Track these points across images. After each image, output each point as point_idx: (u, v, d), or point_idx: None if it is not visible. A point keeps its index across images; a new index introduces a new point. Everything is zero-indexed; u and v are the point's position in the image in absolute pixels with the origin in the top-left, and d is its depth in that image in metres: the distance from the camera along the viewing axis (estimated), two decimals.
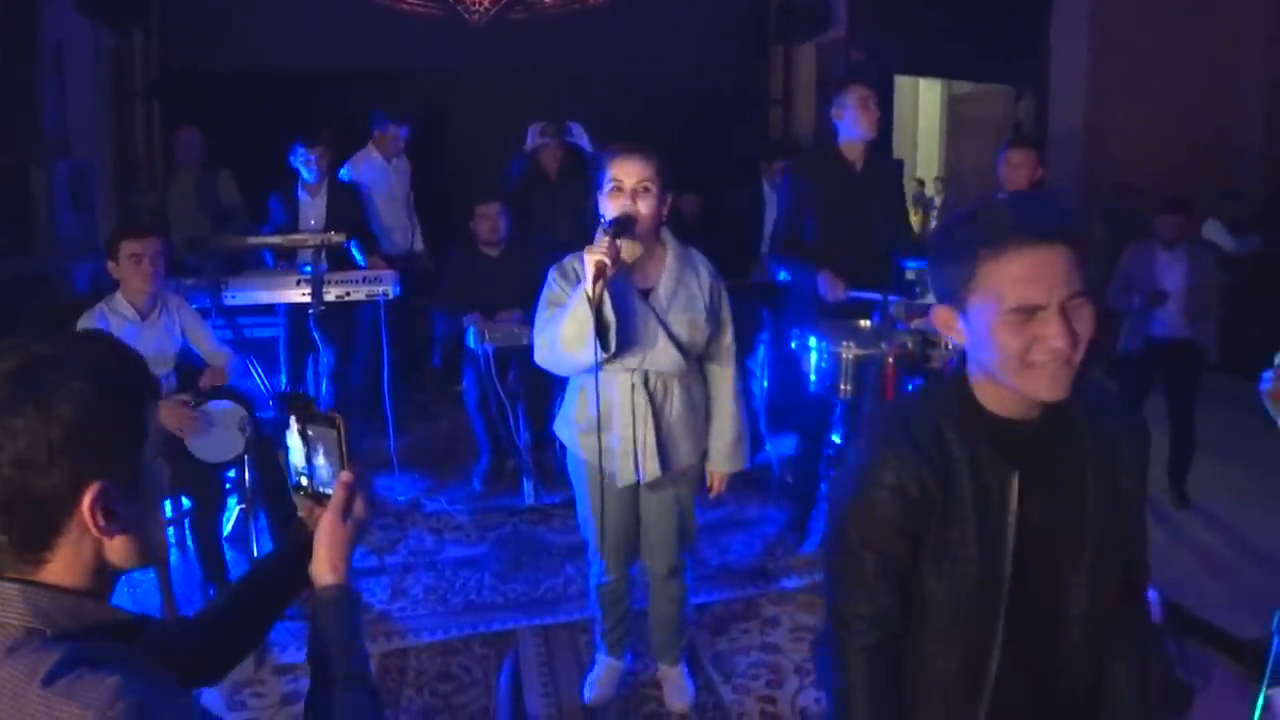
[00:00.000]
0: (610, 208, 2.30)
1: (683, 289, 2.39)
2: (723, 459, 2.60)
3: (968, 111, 9.25)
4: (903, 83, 8.41)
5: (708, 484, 2.66)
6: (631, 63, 6.36)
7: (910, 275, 4.34)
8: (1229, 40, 7.35)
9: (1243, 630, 2.91)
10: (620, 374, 2.38)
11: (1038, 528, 1.26)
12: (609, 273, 2.12)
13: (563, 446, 2.69)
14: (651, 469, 2.44)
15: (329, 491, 1.23)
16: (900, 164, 4.23)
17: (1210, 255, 4.60)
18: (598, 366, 2.21)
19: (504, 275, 4.42)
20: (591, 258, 2.12)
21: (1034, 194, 1.15)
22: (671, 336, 2.35)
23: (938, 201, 10.46)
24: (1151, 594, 2.95)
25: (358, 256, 4.58)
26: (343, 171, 5.21)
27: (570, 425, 2.55)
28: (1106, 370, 5.39)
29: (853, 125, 3.64)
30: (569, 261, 2.38)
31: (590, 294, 2.12)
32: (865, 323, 3.60)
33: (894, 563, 1.28)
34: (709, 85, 6.59)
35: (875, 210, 3.64)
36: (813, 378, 3.57)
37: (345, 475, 1.21)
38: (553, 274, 2.39)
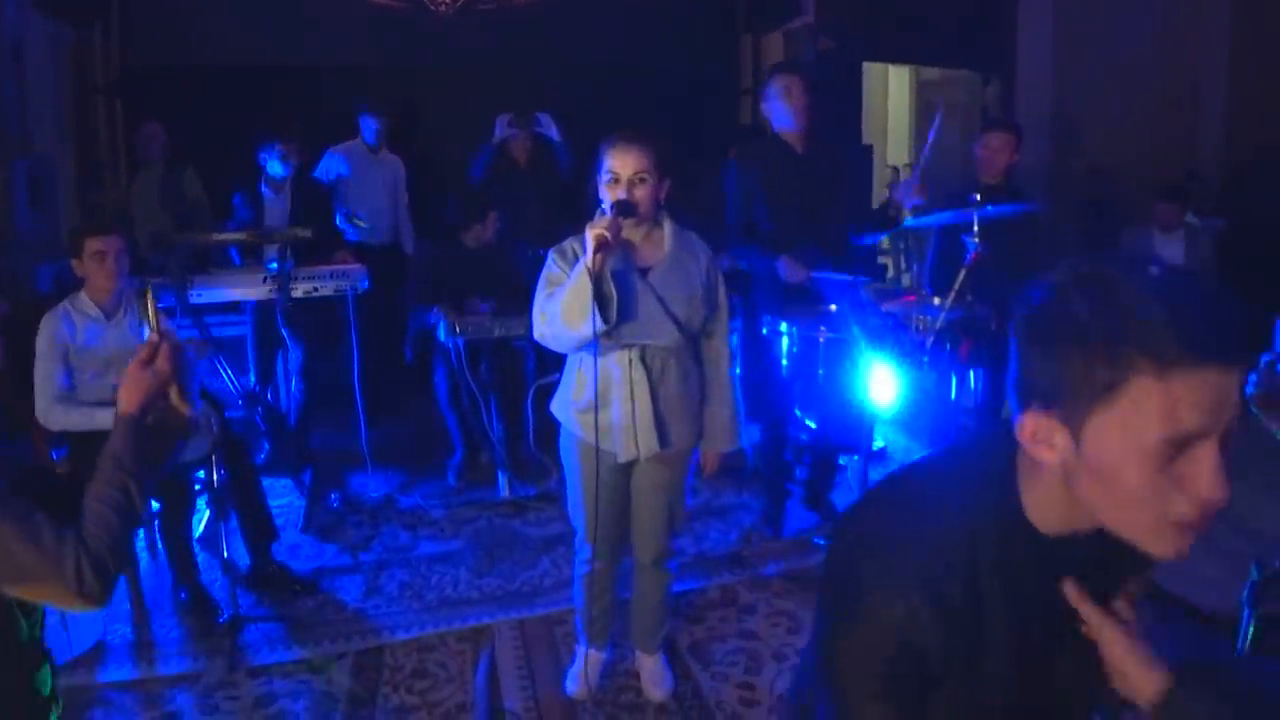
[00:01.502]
0: (607, 197, 2.36)
1: (680, 268, 2.44)
2: (719, 437, 2.63)
3: (936, 97, 9.29)
4: (872, 69, 8.43)
5: (702, 463, 2.68)
6: (600, 53, 6.33)
7: (883, 260, 4.35)
8: (1193, 23, 7.42)
9: (1221, 604, 2.94)
10: (618, 351, 2.42)
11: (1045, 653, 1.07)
12: (610, 247, 2.20)
13: (554, 431, 2.70)
14: (648, 445, 2.46)
15: None
16: (866, 149, 4.22)
17: (1206, 237, 4.65)
18: (596, 340, 2.26)
19: (477, 267, 4.38)
20: (594, 232, 2.20)
21: (1201, 284, 0.76)
22: (669, 313, 2.40)
23: None
24: None
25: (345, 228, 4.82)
26: (323, 161, 5.21)
27: (568, 405, 2.56)
28: None
29: (781, 116, 3.62)
30: (568, 243, 2.44)
31: (591, 266, 2.18)
32: (834, 307, 3.61)
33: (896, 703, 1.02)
34: (678, 74, 6.57)
35: (823, 192, 3.61)
36: (784, 363, 3.57)
37: (151, 336, 1.49)
38: (552, 255, 2.44)
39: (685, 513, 2.75)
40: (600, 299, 2.21)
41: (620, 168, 2.34)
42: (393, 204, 5.48)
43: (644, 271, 2.42)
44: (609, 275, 2.24)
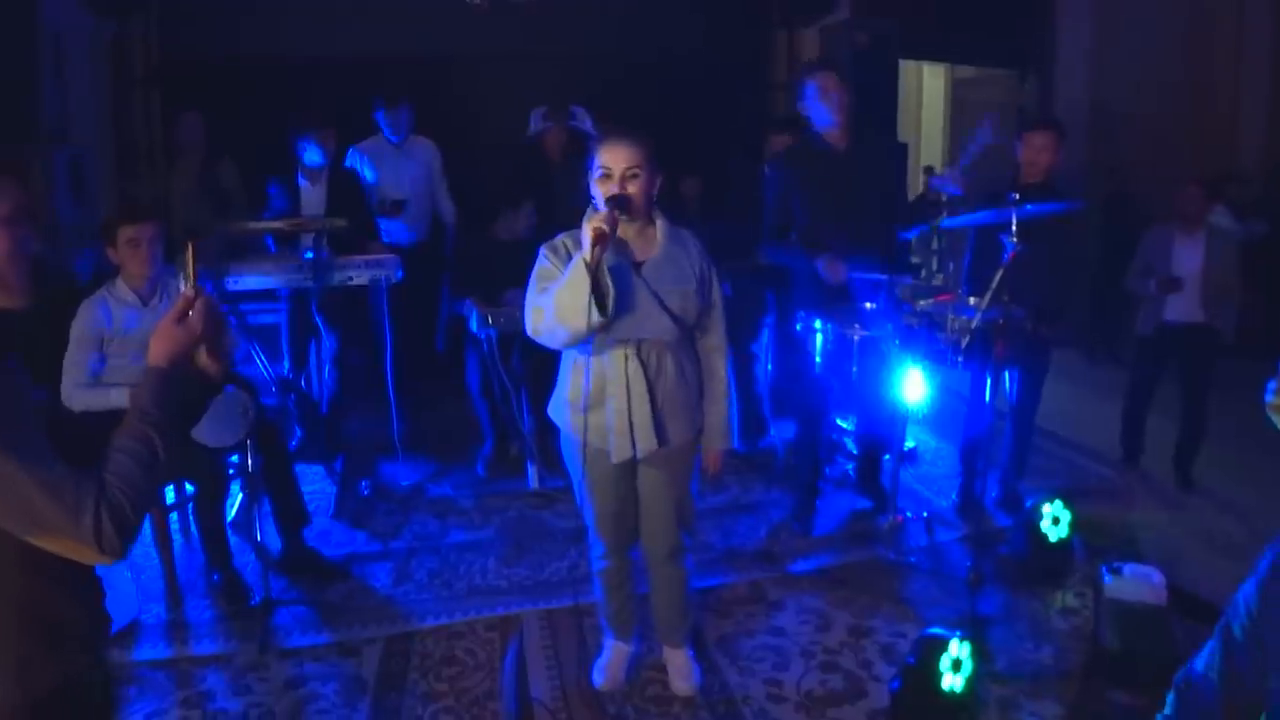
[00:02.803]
0: (600, 193, 2.37)
1: (673, 262, 2.45)
2: (717, 435, 2.61)
3: (971, 95, 9.21)
4: (906, 67, 8.35)
5: (704, 463, 2.66)
6: (634, 46, 6.32)
7: (915, 259, 4.33)
8: (1234, 21, 7.29)
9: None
10: (614, 347, 2.41)
11: None
12: (608, 240, 2.21)
13: (559, 430, 2.69)
14: (646, 443, 2.46)
15: None
16: (903, 146, 4.17)
17: (1231, 239, 4.55)
18: (591, 337, 2.27)
19: (511, 259, 4.38)
20: (591, 225, 2.21)
21: None
22: (664, 307, 2.40)
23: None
24: (1156, 576, 2.95)
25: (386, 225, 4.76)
26: (348, 158, 5.16)
27: (564, 406, 2.56)
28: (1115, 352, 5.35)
29: (820, 115, 3.60)
30: (560, 239, 2.46)
31: (588, 260, 2.18)
32: (870, 305, 3.58)
33: None
34: (712, 68, 6.55)
35: (864, 190, 3.57)
36: (818, 360, 3.55)
37: (187, 290, 1.48)
38: (544, 251, 2.45)
39: (694, 508, 2.72)
40: (598, 292, 2.22)
41: (612, 163, 2.35)
42: (428, 191, 5.35)
43: (637, 266, 2.42)
44: (605, 269, 2.24)
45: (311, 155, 4.46)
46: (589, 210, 2.37)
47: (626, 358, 2.42)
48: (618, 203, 2.31)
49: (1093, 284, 6.23)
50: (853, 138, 3.63)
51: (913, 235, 4.00)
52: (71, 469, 1.25)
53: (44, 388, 1.50)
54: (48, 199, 5.08)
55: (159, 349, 1.43)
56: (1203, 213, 4.39)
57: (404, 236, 5.17)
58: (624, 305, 2.32)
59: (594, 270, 2.20)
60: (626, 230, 2.42)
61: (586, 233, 2.22)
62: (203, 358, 1.47)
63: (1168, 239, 4.42)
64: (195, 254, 1.58)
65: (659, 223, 2.49)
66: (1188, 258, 4.37)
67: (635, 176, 2.36)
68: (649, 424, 2.44)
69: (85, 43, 5.54)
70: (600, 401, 2.44)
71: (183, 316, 1.45)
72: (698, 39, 6.47)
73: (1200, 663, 1.77)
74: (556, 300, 2.28)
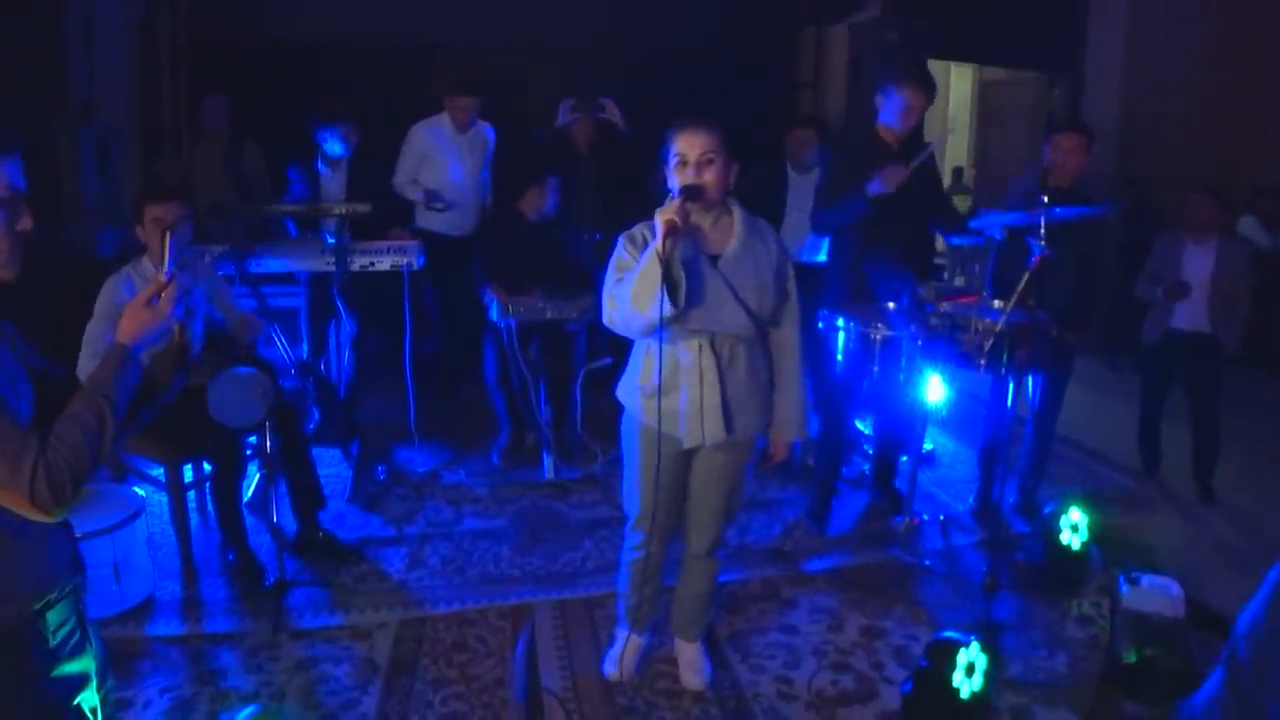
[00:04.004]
0: (676, 181, 2.36)
1: (750, 255, 2.43)
2: (789, 424, 2.62)
3: (999, 98, 9.14)
4: (934, 68, 8.30)
5: (771, 451, 2.67)
6: (660, 39, 6.31)
7: (940, 260, 4.31)
8: (1268, 31, 7.19)
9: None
10: (688, 337, 2.42)
11: None
12: (679, 231, 2.20)
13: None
14: (714, 431, 2.45)
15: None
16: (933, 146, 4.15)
17: (1244, 250, 4.49)
18: (663, 325, 2.26)
19: (535, 248, 4.37)
20: (663, 217, 2.20)
21: None
22: (740, 300, 2.39)
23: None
24: (1174, 588, 2.92)
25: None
26: (409, 135, 5.03)
27: (634, 389, 2.56)
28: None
29: (893, 118, 3.60)
30: (638, 229, 2.45)
31: (661, 251, 2.18)
32: (893, 305, 3.56)
33: None
34: (737, 63, 6.52)
35: (914, 191, 3.56)
36: (840, 359, 3.53)
37: (158, 276, 1.56)
38: (622, 241, 2.45)
39: (742, 505, 2.72)
40: (669, 283, 2.21)
41: (688, 149, 2.34)
42: (477, 182, 5.20)
43: (714, 259, 2.40)
44: (678, 260, 2.23)
45: (333, 146, 4.45)
46: (665, 199, 2.36)
47: (700, 348, 2.42)
48: (689, 193, 2.30)
49: (1114, 293, 6.18)
50: (908, 143, 3.64)
51: (965, 244, 3.98)
52: (19, 424, 1.32)
53: (46, 357, 1.54)
54: (75, 175, 5.12)
55: (126, 328, 1.50)
56: (1213, 221, 4.33)
57: (455, 230, 5.07)
58: (698, 298, 2.32)
59: (666, 261, 2.19)
60: (702, 220, 2.41)
61: (659, 224, 2.21)
62: (175, 339, 1.56)
63: (1178, 246, 4.37)
64: (170, 242, 1.73)
65: (736, 213, 2.47)
66: (1197, 266, 4.32)
67: (711, 162, 2.34)
68: (719, 413, 2.44)
69: (116, 23, 5.57)
70: (674, 387, 2.44)
71: (152, 300, 1.52)
72: (724, 32, 6.44)
73: (1200, 700, 1.70)
74: (630, 291, 2.28)
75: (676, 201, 2.27)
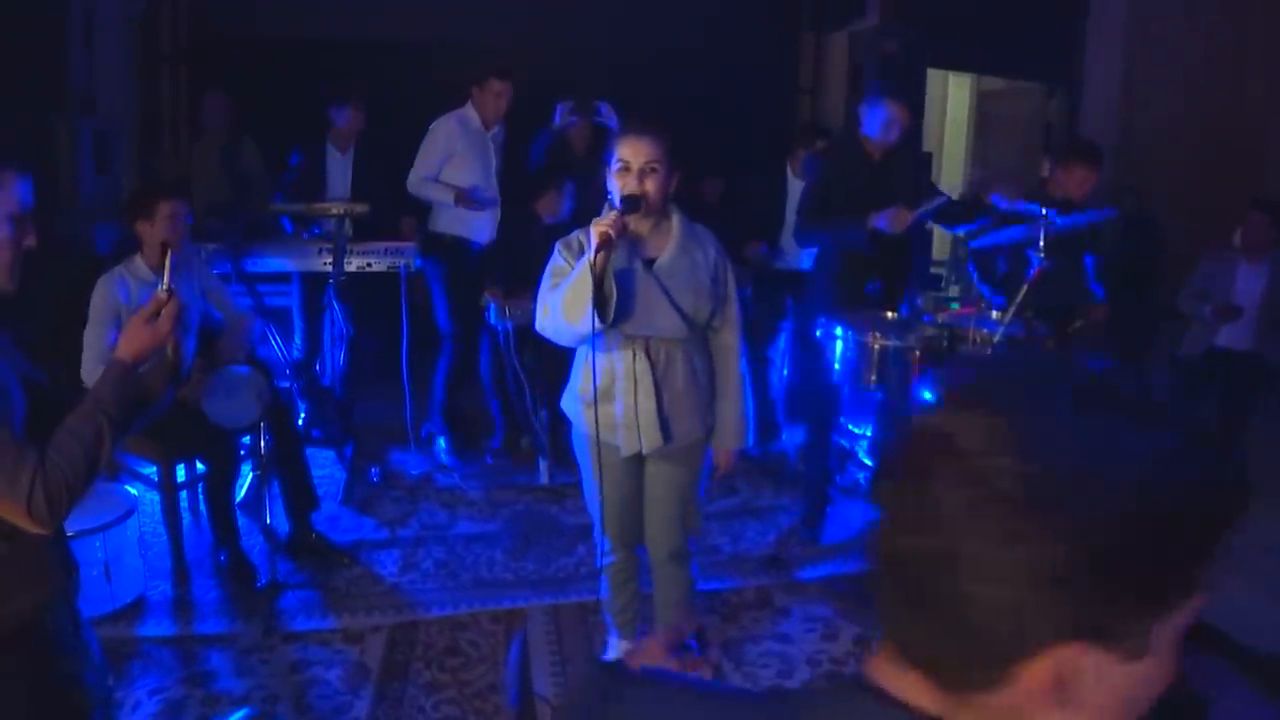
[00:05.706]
0: (617, 186, 2.35)
1: (686, 259, 2.43)
2: (729, 435, 2.58)
3: (997, 108, 9.14)
4: (932, 76, 8.31)
5: (715, 462, 2.63)
6: (660, 43, 6.30)
7: (936, 270, 4.30)
8: (1266, 40, 7.22)
9: (1265, 644, 2.86)
10: (623, 344, 2.41)
11: None
12: (613, 245, 2.19)
13: (570, 422, 2.68)
14: (652, 439, 2.44)
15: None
16: (926, 156, 4.17)
17: None
18: (595, 336, 2.25)
19: (545, 247, 4.34)
20: (597, 229, 2.20)
21: None
22: (674, 304, 2.38)
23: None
24: None
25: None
26: (432, 127, 4.57)
27: (575, 399, 2.56)
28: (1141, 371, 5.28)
29: (875, 130, 3.61)
30: (575, 235, 2.44)
31: (593, 264, 2.17)
32: (891, 314, 3.56)
33: None
34: (738, 69, 6.52)
35: (895, 197, 3.55)
36: (836, 367, 3.53)
37: (159, 292, 1.56)
38: (558, 246, 2.45)
39: (700, 510, 2.70)
40: (599, 297, 2.20)
41: (632, 156, 2.34)
42: (495, 183, 4.78)
43: (650, 262, 2.40)
44: (611, 273, 2.22)
45: (343, 118, 4.42)
46: (604, 207, 2.36)
47: (635, 354, 2.40)
48: (628, 205, 2.30)
49: (1111, 304, 6.17)
50: (889, 153, 3.65)
51: (961, 231, 3.98)
52: (17, 437, 1.33)
53: (45, 371, 1.55)
54: (73, 169, 5.10)
55: (126, 345, 1.51)
56: (1269, 239, 4.30)
57: (484, 235, 4.63)
58: (632, 304, 2.31)
59: (598, 275, 2.19)
60: (641, 225, 2.40)
61: (593, 235, 2.20)
62: (169, 354, 1.58)
63: (1231, 265, 4.34)
64: (170, 259, 1.68)
65: (675, 219, 2.47)
66: (1250, 285, 4.30)
67: (653, 171, 2.34)
68: (654, 421, 2.43)
69: (116, 17, 5.55)
70: (609, 396, 2.43)
71: (154, 316, 1.53)
72: (724, 38, 6.44)
73: None
74: (561, 300, 2.28)
75: (614, 213, 2.26)
